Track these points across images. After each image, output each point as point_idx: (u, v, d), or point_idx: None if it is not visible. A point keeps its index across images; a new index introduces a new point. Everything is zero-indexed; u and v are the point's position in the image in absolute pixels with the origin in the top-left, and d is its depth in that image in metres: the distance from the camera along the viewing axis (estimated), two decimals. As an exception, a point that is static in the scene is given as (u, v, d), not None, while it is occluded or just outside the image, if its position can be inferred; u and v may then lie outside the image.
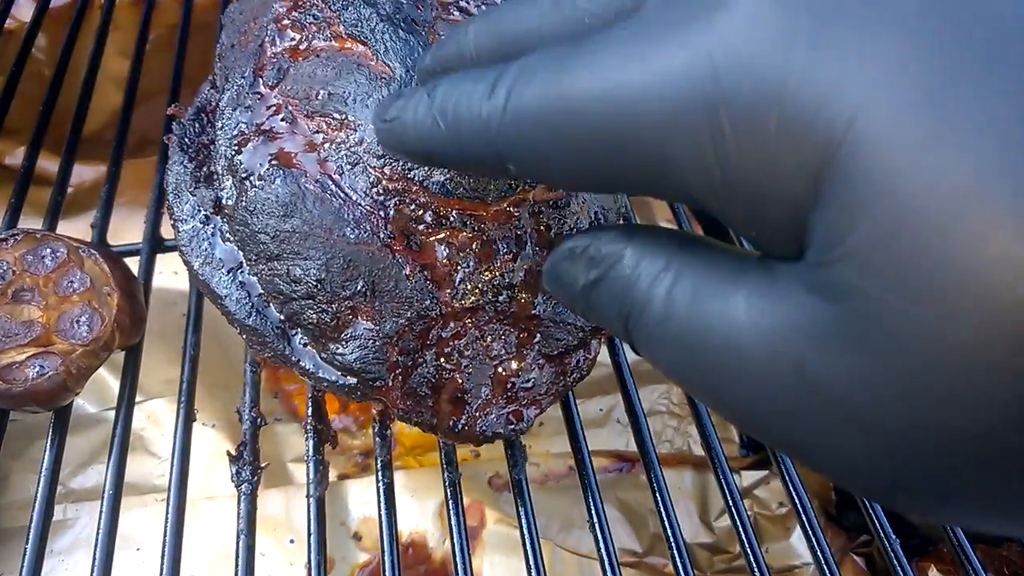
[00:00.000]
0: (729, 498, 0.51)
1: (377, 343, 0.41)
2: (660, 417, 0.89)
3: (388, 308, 0.41)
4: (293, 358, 0.43)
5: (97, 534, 0.47)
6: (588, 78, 0.22)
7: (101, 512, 0.48)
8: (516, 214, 0.42)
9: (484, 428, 0.44)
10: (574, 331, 0.43)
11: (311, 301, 0.42)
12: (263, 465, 0.49)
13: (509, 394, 0.44)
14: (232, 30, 0.51)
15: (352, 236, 0.41)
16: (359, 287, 0.41)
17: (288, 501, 0.79)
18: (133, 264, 0.59)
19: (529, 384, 0.44)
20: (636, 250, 0.25)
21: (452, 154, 0.28)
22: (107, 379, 0.87)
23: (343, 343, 0.42)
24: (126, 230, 0.69)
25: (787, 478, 0.53)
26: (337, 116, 0.43)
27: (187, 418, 0.51)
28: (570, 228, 0.44)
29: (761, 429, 0.23)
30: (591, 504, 0.49)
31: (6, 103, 0.70)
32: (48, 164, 0.78)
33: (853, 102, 0.18)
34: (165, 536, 0.46)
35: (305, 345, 0.43)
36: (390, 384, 0.42)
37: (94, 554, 0.46)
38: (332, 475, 0.80)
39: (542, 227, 0.43)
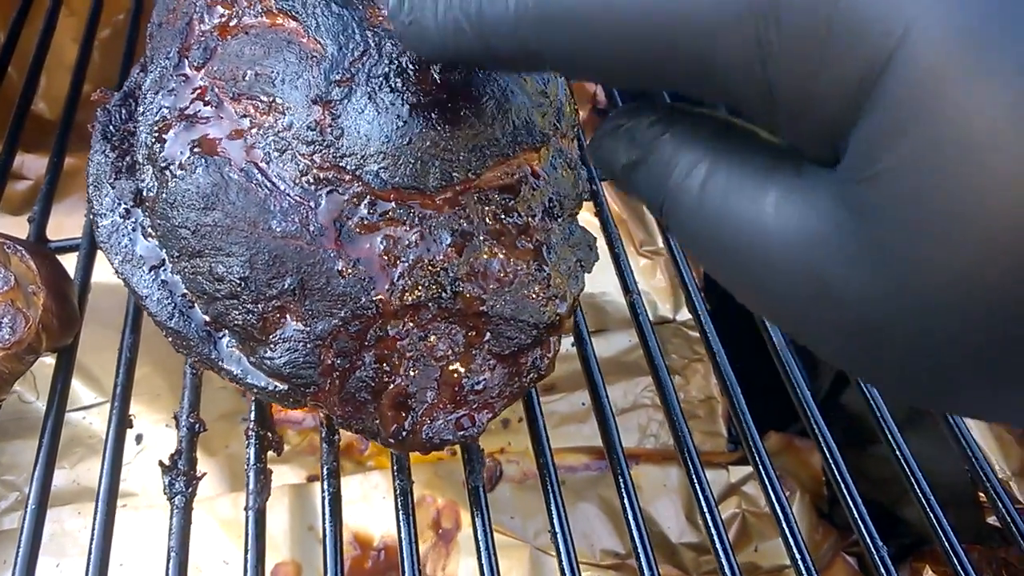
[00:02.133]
0: (700, 496, 0.48)
1: (308, 345, 0.38)
2: (645, 411, 0.85)
3: (319, 307, 0.38)
4: (220, 363, 0.40)
5: (17, 550, 0.43)
6: None
7: (23, 526, 0.44)
8: (462, 202, 0.39)
9: (431, 435, 0.40)
10: (527, 329, 0.40)
11: (235, 301, 0.38)
12: (199, 475, 0.45)
13: (458, 398, 0.40)
14: (162, 6, 0.47)
15: (278, 229, 0.37)
16: (287, 285, 0.37)
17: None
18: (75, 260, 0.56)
19: (480, 386, 0.41)
20: (675, 138, 0.25)
21: (481, 54, 0.27)
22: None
23: (271, 346, 0.38)
24: (75, 225, 0.65)
25: (766, 479, 0.50)
26: (264, 99, 0.39)
27: (120, 424, 0.47)
28: (523, 216, 0.40)
29: (779, 323, 0.24)
30: (553, 512, 0.46)
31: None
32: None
33: (908, 15, 0.18)
34: (90, 548, 0.43)
35: (232, 348, 0.40)
36: (326, 389, 0.39)
37: (14, 565, 0.43)
38: (301, 477, 0.77)
39: (493, 216, 0.39)
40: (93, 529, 0.44)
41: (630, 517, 0.46)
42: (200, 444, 0.80)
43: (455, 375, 0.40)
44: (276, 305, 0.38)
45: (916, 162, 0.18)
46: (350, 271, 0.37)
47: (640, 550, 0.45)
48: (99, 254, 0.57)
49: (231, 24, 0.42)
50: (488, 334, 0.40)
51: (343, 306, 0.38)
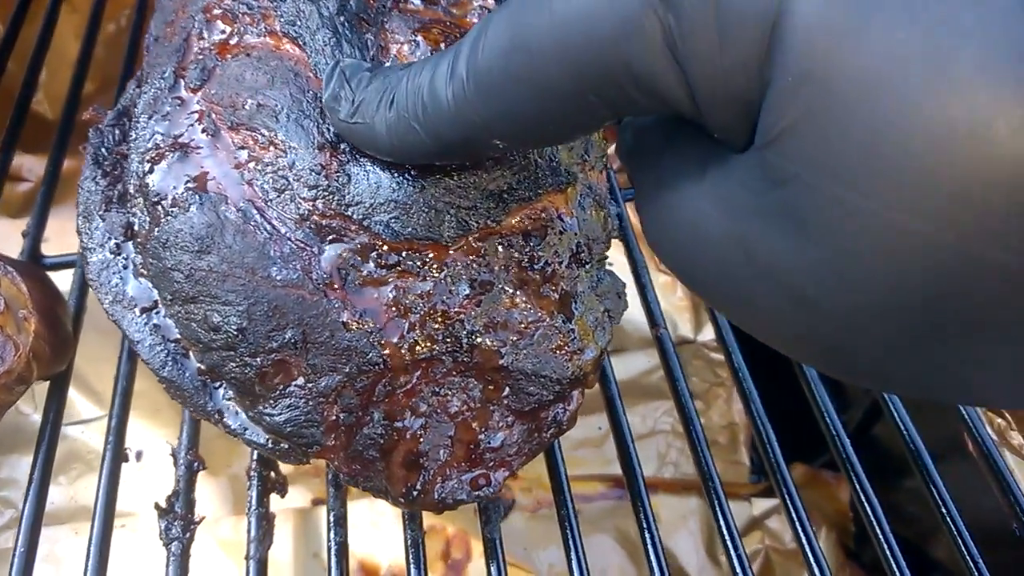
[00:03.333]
0: (724, 531, 0.44)
1: (311, 402, 0.35)
2: (664, 436, 0.82)
3: (323, 362, 0.34)
4: (216, 416, 0.37)
5: (10, 571, 0.41)
6: (537, 19, 0.23)
7: (15, 546, 0.41)
8: (482, 249, 0.35)
9: (443, 495, 0.37)
10: (550, 385, 0.37)
11: (232, 353, 0.35)
12: (198, 520, 0.42)
13: (473, 456, 0.37)
14: (160, 19, 0.43)
15: (279, 277, 0.34)
16: (287, 338, 0.34)
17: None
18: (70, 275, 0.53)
19: (497, 444, 0.37)
20: (640, 142, 0.27)
21: (434, 149, 0.28)
22: (70, 392, 0.81)
23: (271, 402, 0.35)
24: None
25: (793, 514, 0.46)
26: (266, 132, 0.36)
27: (115, 460, 0.44)
28: (548, 262, 0.37)
29: (723, 309, 0.25)
30: (571, 547, 0.43)
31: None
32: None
33: None
34: (85, 572, 0.40)
35: (229, 401, 0.37)
36: (331, 446, 0.36)
37: None
38: (306, 500, 0.74)
39: (516, 263, 0.36)
40: (88, 552, 0.41)
41: (651, 552, 0.43)
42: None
43: (470, 432, 0.37)
44: (276, 359, 0.35)
45: (810, 113, 0.19)
46: (356, 323, 0.34)
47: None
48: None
49: (232, 42, 0.39)
50: (507, 389, 0.37)
51: (348, 361, 0.34)
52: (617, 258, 0.78)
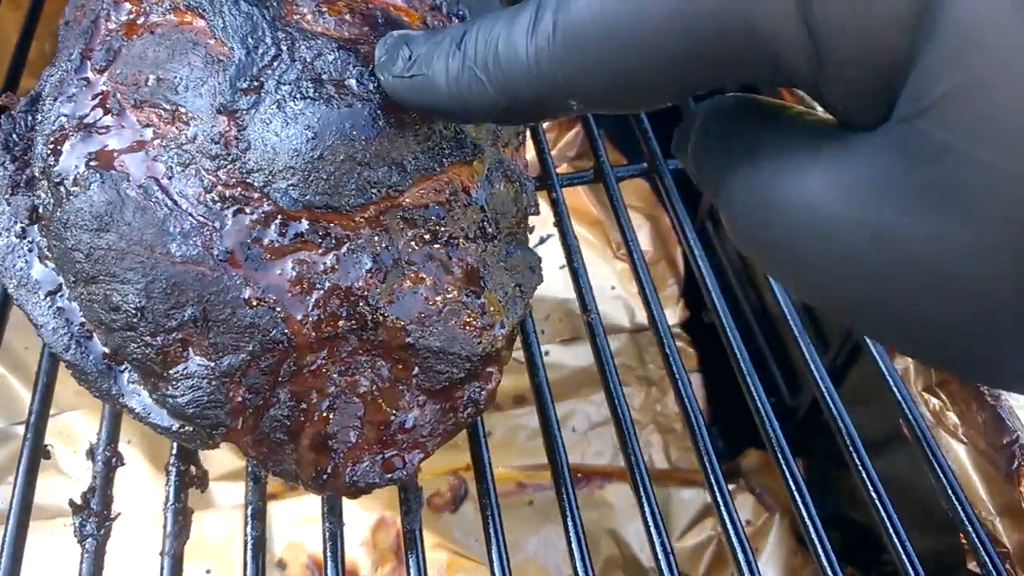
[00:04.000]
0: (650, 521, 0.43)
1: (214, 383, 0.34)
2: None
3: (225, 340, 0.34)
4: (121, 399, 0.36)
5: None
6: None
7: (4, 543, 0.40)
8: (384, 223, 0.35)
9: (355, 478, 0.37)
10: (459, 362, 0.36)
11: (132, 333, 0.34)
12: (113, 516, 0.42)
13: (384, 437, 0.37)
14: (72, 3, 0.43)
15: (178, 253, 0.34)
16: (187, 315, 0.34)
17: (208, 525, 0.72)
18: None
19: (409, 424, 0.37)
20: (725, 119, 0.25)
21: (502, 106, 0.26)
22: (18, 390, 0.80)
23: (173, 383, 0.35)
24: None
25: (722, 506, 0.45)
26: (167, 107, 0.35)
27: (32, 457, 0.43)
28: (452, 236, 0.36)
29: (835, 300, 0.22)
30: (492, 539, 0.42)
31: None
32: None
33: None
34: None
35: (134, 384, 0.36)
36: (237, 429, 0.35)
37: None
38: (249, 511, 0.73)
39: (419, 238, 0.36)
40: (1, 552, 0.40)
41: (573, 545, 0.42)
42: (151, 458, 0.76)
43: (381, 413, 0.36)
44: (177, 338, 0.34)
45: (979, 76, 0.17)
46: (258, 300, 0.34)
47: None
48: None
49: (139, 22, 0.38)
50: (416, 368, 0.36)
51: (251, 339, 0.34)
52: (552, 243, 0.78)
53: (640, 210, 0.92)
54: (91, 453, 0.43)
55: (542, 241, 0.93)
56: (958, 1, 0.17)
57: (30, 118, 0.42)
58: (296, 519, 0.73)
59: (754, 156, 0.23)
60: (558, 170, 0.58)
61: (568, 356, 0.87)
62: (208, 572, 0.70)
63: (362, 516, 0.72)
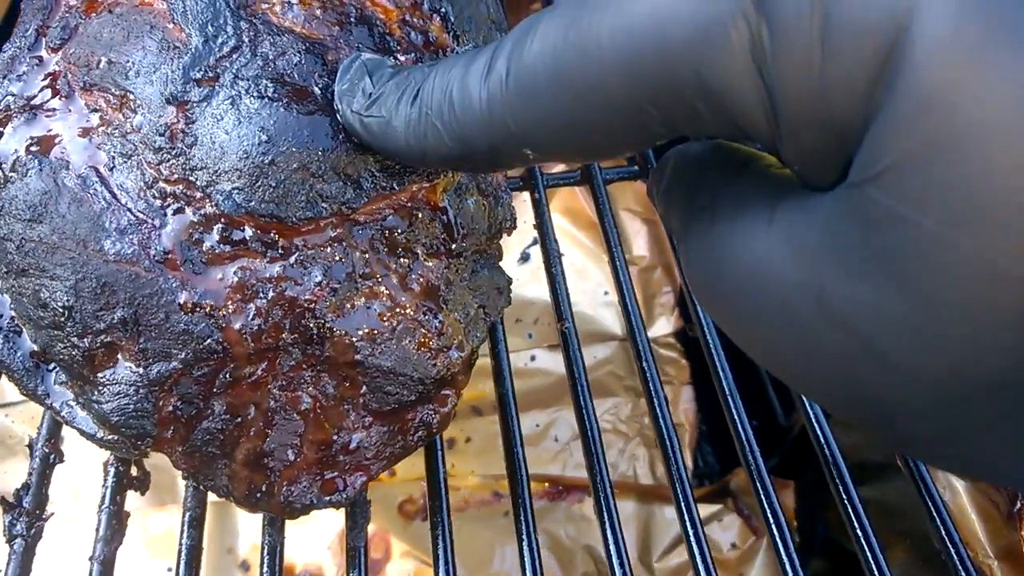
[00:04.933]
0: (610, 538, 0.41)
1: (142, 391, 0.32)
2: (604, 436, 0.79)
3: (156, 346, 0.32)
4: (47, 400, 0.34)
5: None
6: (599, 17, 0.20)
7: None
8: (339, 234, 0.33)
9: (290, 498, 0.35)
10: (411, 384, 0.34)
11: (59, 332, 0.32)
12: (45, 516, 0.40)
13: (325, 458, 0.34)
14: (38, -24, 0.41)
15: (112, 251, 0.31)
16: (117, 318, 0.31)
17: (175, 520, 0.70)
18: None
19: (353, 445, 0.35)
20: (687, 171, 0.24)
21: (457, 154, 0.25)
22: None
23: (99, 388, 0.32)
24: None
25: (689, 528, 0.43)
26: (116, 92, 0.33)
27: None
28: (413, 251, 0.34)
29: (778, 364, 0.22)
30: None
31: None
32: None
33: None
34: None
35: (62, 385, 0.34)
36: (167, 438, 0.33)
37: None
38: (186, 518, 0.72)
39: (375, 250, 0.33)
40: None
41: (527, 561, 0.40)
42: (99, 454, 0.75)
43: (322, 432, 0.34)
44: (105, 340, 0.32)
45: (931, 145, 0.16)
46: (194, 305, 0.31)
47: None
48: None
49: (99, 0, 0.36)
50: (364, 387, 0.34)
51: (184, 347, 0.32)
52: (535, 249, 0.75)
53: (638, 214, 0.90)
54: (30, 449, 0.41)
55: (536, 243, 0.90)
56: (913, 70, 0.16)
57: (-15, 93, 0.40)
58: (261, 520, 0.71)
59: (713, 209, 0.22)
60: (547, 170, 0.55)
61: (555, 363, 0.85)
62: (169, 570, 0.68)
63: (331, 520, 0.70)
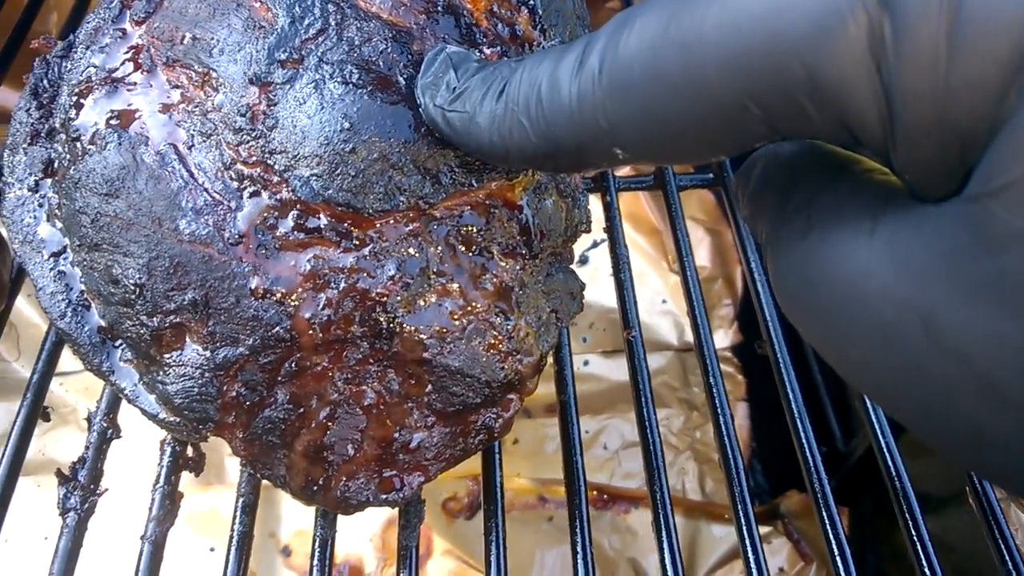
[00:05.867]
0: (666, 552, 0.40)
1: (207, 374, 0.31)
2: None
3: (224, 330, 0.31)
4: (111, 376, 0.34)
5: None
6: (703, 9, 0.19)
7: None
8: (415, 229, 0.32)
9: (347, 494, 0.34)
10: (477, 386, 0.33)
11: (129, 310, 0.32)
12: (99, 491, 0.39)
13: (385, 455, 0.34)
14: (125, -51, 0.41)
15: (187, 231, 0.31)
16: (188, 299, 0.31)
17: (222, 501, 0.71)
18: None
19: (413, 445, 0.34)
20: (780, 171, 0.23)
21: (543, 152, 0.24)
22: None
23: (165, 369, 0.32)
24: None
25: (751, 555, 0.42)
26: (199, 69, 0.33)
27: (28, 419, 0.41)
28: (487, 250, 0.33)
29: (871, 384, 0.20)
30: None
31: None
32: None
33: None
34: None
35: (127, 363, 0.34)
36: (229, 423, 0.33)
37: None
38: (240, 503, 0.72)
39: (452, 248, 0.32)
40: None
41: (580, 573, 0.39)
42: (156, 433, 0.75)
43: (384, 429, 0.33)
44: (174, 321, 0.31)
45: None
46: (265, 291, 0.31)
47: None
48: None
49: (186, -25, 0.36)
50: (430, 386, 0.33)
51: (252, 332, 0.31)
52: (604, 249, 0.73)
53: (702, 223, 0.88)
54: (88, 422, 0.41)
55: (595, 245, 0.89)
56: None
57: (66, 64, 0.40)
58: (315, 511, 0.71)
59: (808, 215, 0.21)
60: (616, 173, 0.54)
61: (608, 369, 0.84)
62: (212, 550, 0.68)
63: (374, 512, 0.69)
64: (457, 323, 0.32)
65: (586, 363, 0.84)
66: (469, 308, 0.32)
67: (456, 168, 0.32)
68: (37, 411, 0.42)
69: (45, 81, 0.39)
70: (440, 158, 0.31)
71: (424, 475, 0.34)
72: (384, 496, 0.34)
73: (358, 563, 0.68)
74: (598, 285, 0.84)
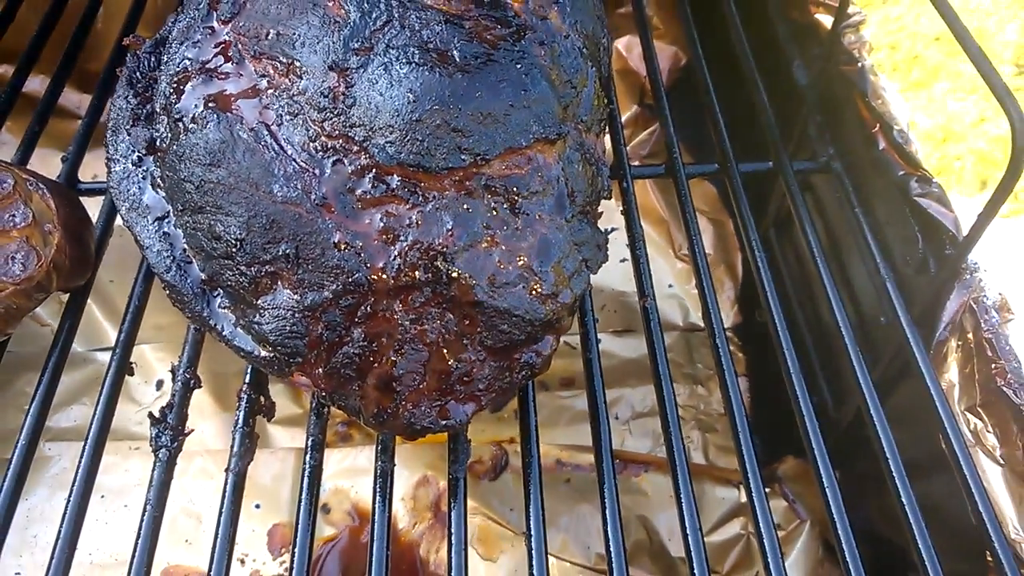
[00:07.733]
0: (685, 513, 0.46)
1: (297, 315, 0.37)
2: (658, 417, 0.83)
3: (312, 278, 0.37)
4: (211, 321, 0.40)
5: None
6: None
7: (10, 459, 0.44)
8: (468, 187, 0.38)
9: (412, 420, 0.39)
10: (522, 324, 0.39)
11: (230, 261, 0.38)
12: (186, 432, 0.45)
13: (444, 386, 0.39)
14: (203, -41, 0.46)
15: (280, 194, 0.37)
16: (281, 251, 0.37)
17: (261, 464, 0.76)
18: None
19: (468, 377, 0.40)
20: None
21: None
22: (100, 319, 0.85)
23: (260, 311, 0.38)
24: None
25: (757, 507, 0.47)
26: (284, 59, 0.39)
27: (117, 375, 0.47)
28: (530, 208, 0.39)
29: None
30: (530, 509, 0.44)
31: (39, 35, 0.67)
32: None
33: None
34: (71, 488, 0.43)
35: (224, 309, 0.40)
36: (311, 360, 0.38)
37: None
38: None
39: (498, 205, 0.38)
40: (77, 470, 0.44)
41: (609, 527, 0.45)
42: (217, 397, 0.80)
43: (444, 362, 0.39)
44: (269, 271, 0.37)
45: None
46: (346, 244, 0.37)
47: (613, 559, 0.43)
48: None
49: (264, -20, 0.42)
50: (481, 325, 0.39)
51: (336, 279, 0.37)
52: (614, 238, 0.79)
53: (704, 214, 0.94)
54: (173, 374, 0.47)
55: (606, 232, 0.95)
56: None
57: (153, 59, 0.46)
58: (344, 468, 0.76)
59: None
60: (631, 162, 0.60)
61: (618, 346, 0.89)
62: (257, 507, 0.74)
63: (405, 472, 0.75)
64: (504, 270, 0.38)
65: (598, 341, 0.89)
66: (514, 257, 0.38)
67: (509, 127, 0.38)
68: (124, 366, 0.48)
69: (138, 73, 0.45)
70: (493, 121, 0.37)
71: (476, 404, 0.40)
72: (444, 422, 0.40)
73: (392, 518, 0.73)
74: (609, 270, 0.90)
